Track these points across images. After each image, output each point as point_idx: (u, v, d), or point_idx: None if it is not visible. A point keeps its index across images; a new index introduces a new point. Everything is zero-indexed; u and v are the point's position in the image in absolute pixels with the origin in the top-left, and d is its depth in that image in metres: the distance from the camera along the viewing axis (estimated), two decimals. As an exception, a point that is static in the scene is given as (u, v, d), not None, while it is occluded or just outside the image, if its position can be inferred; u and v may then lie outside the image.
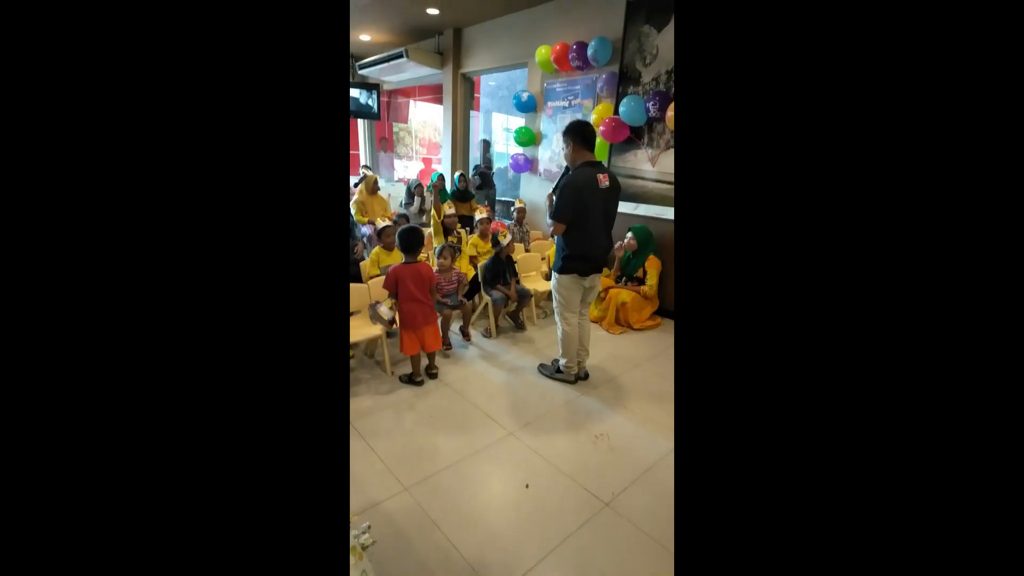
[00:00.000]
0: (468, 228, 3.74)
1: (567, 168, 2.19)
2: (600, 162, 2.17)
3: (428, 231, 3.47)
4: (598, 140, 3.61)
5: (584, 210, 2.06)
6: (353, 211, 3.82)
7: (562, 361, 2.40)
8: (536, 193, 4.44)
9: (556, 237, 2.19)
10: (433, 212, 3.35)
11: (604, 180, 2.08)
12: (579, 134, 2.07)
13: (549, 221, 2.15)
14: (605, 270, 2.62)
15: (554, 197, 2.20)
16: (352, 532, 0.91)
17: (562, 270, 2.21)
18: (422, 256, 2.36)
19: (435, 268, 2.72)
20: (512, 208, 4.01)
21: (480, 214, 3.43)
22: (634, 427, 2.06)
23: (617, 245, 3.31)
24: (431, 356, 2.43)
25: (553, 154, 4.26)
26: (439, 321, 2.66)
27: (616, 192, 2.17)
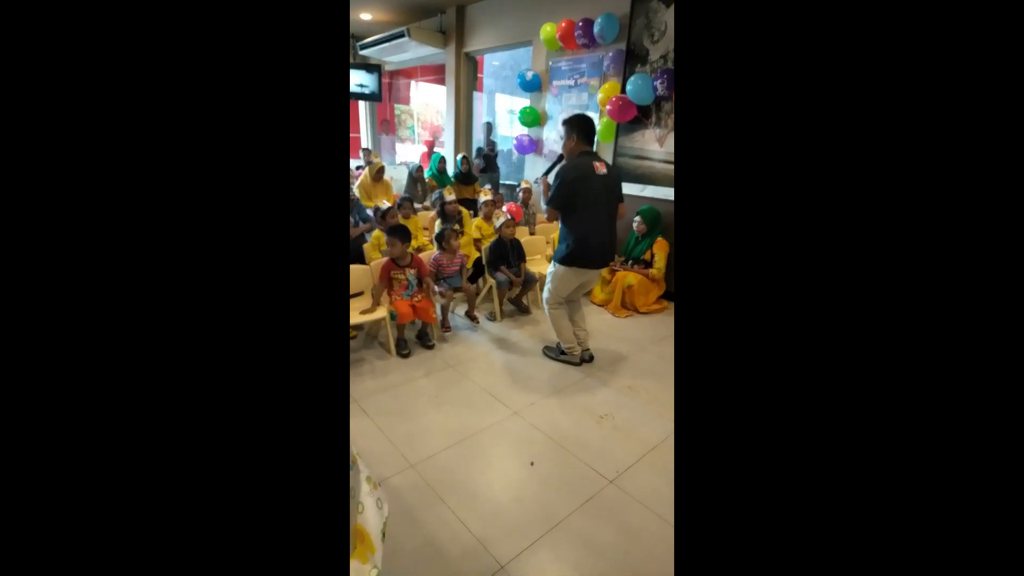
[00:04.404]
0: (472, 211, 3.72)
1: (560, 155, 2.24)
2: (595, 152, 2.23)
3: (430, 215, 3.49)
4: (605, 119, 3.56)
5: (580, 197, 2.10)
6: (358, 195, 3.80)
7: (563, 344, 2.41)
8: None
9: (560, 226, 2.22)
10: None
11: (600, 167, 2.12)
12: (582, 128, 2.13)
13: (544, 206, 2.19)
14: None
15: (548, 180, 2.27)
16: (365, 470, 0.96)
17: (564, 261, 2.21)
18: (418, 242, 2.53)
19: (436, 252, 2.74)
20: (517, 190, 3.97)
21: (484, 196, 3.41)
22: (639, 407, 2.07)
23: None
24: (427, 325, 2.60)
25: (560, 135, 4.20)
26: (440, 305, 2.71)
27: (615, 181, 2.20)
